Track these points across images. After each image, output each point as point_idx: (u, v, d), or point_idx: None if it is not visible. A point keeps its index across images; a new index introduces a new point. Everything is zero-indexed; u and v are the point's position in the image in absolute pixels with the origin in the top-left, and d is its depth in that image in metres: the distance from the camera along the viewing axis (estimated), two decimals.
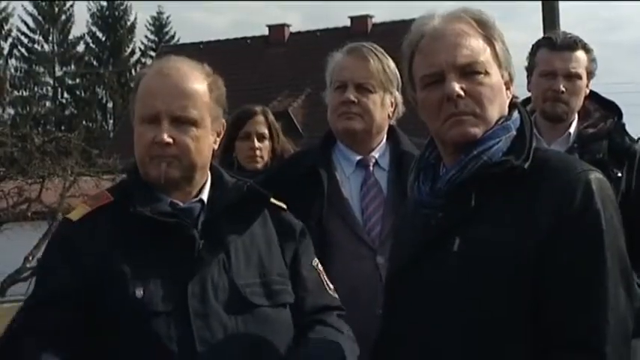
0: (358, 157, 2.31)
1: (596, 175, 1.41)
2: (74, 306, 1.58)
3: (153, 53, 33.69)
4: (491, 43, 1.49)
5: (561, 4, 7.80)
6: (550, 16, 7.61)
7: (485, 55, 1.47)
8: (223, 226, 1.68)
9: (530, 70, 2.62)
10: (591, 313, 1.34)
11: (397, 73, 2.28)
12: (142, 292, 1.57)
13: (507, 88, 1.52)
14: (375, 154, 2.33)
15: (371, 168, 2.32)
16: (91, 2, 36.51)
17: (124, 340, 1.56)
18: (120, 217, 1.65)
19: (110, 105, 36.69)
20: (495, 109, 1.47)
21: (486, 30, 1.50)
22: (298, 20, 79.86)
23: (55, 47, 36.73)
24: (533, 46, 2.64)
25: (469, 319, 1.39)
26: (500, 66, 1.50)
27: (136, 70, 35.02)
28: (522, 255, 1.36)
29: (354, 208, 2.28)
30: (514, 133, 1.48)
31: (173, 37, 37.34)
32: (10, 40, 36.58)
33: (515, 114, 1.51)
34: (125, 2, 36.93)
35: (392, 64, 2.29)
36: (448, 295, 1.42)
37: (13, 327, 1.61)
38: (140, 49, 37.78)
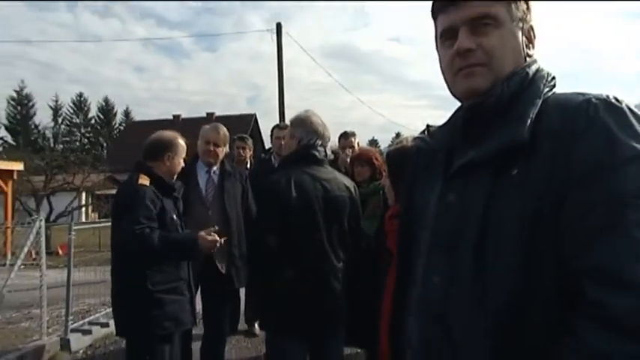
0: (207, 169, 5.00)
1: None
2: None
3: None
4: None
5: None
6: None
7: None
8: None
9: None
10: None
11: (228, 135, 5.11)
12: (174, 217, 3.87)
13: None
14: (213, 168, 5.01)
15: (212, 174, 5.00)
16: None
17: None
18: (155, 187, 3.83)
19: None
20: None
21: None
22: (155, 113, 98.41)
23: None
24: None
25: None
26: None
27: None
28: None
29: (203, 191, 4.96)
30: None
31: None
32: None
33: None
34: None
35: (226, 131, 5.07)
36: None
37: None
38: None
